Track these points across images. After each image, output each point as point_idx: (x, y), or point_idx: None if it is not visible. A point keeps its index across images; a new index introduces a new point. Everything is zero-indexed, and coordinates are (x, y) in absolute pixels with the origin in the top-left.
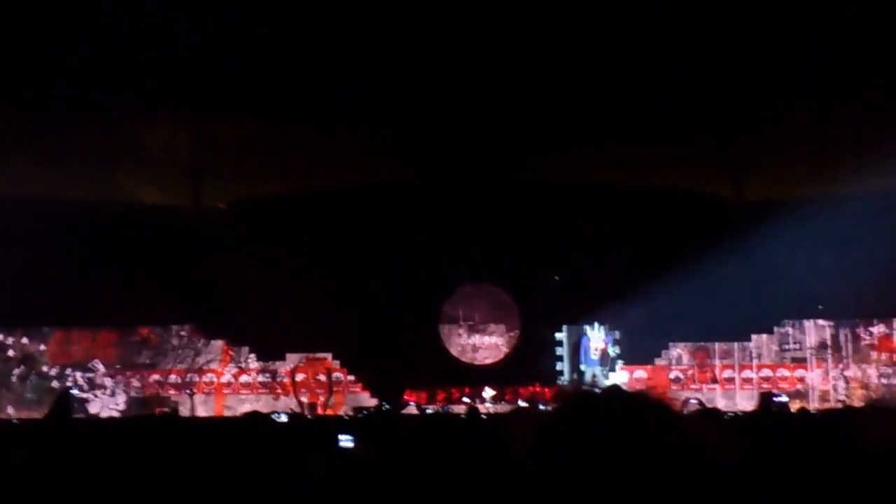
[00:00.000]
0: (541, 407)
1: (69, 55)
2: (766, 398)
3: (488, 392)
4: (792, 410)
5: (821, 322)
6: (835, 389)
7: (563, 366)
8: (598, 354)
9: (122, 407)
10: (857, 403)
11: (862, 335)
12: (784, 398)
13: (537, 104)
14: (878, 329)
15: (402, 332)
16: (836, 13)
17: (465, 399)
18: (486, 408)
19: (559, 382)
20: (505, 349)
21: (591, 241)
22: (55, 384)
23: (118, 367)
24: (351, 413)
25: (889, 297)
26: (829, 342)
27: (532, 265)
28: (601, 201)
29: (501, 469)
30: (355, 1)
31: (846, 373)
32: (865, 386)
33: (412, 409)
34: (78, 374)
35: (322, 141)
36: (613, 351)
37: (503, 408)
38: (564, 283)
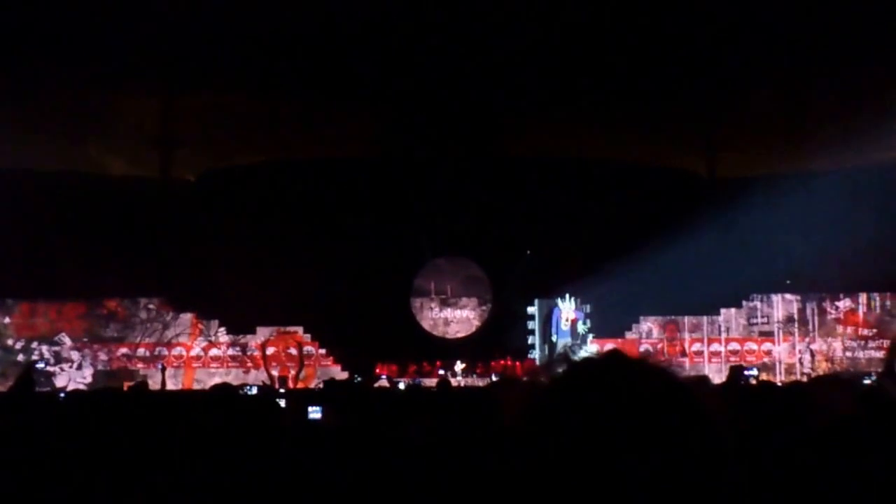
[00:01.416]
0: (530, 377)
1: (35, 22)
2: (736, 371)
3: (460, 365)
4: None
5: (788, 296)
6: (800, 363)
7: (535, 339)
8: (568, 325)
9: (88, 380)
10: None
11: (828, 309)
12: (754, 371)
13: (509, 79)
14: (844, 303)
15: (373, 306)
16: None
17: (441, 371)
18: (457, 381)
19: (531, 356)
20: (476, 323)
21: (563, 215)
22: (20, 358)
23: (85, 340)
24: (321, 386)
25: (855, 271)
26: (795, 316)
27: (504, 239)
28: (573, 176)
29: (493, 439)
30: None
31: (812, 346)
32: (830, 359)
33: (384, 383)
34: (44, 348)
35: (293, 113)
36: (583, 327)
37: (474, 381)
38: (536, 257)
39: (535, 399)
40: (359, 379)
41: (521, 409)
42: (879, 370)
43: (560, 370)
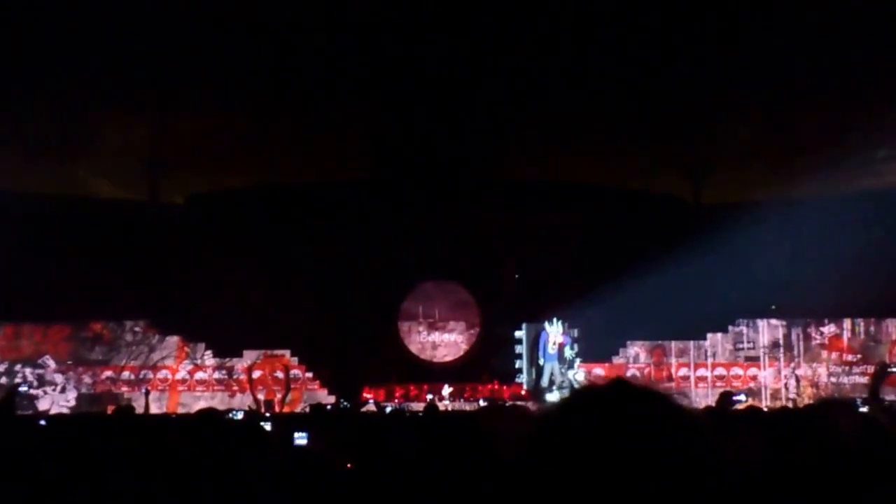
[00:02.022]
0: (520, 404)
1: (24, 43)
2: (725, 397)
3: (447, 390)
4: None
5: (773, 321)
6: (786, 388)
7: (523, 364)
8: (556, 349)
9: (72, 404)
10: (807, 402)
11: (813, 335)
12: (742, 397)
13: (498, 102)
14: (829, 329)
15: (360, 330)
16: (792, 19)
17: (429, 396)
18: (444, 405)
19: (518, 380)
20: (464, 347)
21: (551, 239)
22: (3, 380)
23: (69, 362)
24: (308, 410)
25: (839, 297)
26: (781, 341)
27: (492, 263)
28: (561, 200)
29: (485, 468)
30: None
31: (797, 371)
32: (815, 385)
33: (371, 407)
34: (27, 370)
35: (281, 136)
36: (570, 352)
37: (462, 405)
38: (524, 281)
39: (541, 428)
40: (345, 404)
41: (523, 438)
42: (864, 395)
43: (558, 399)
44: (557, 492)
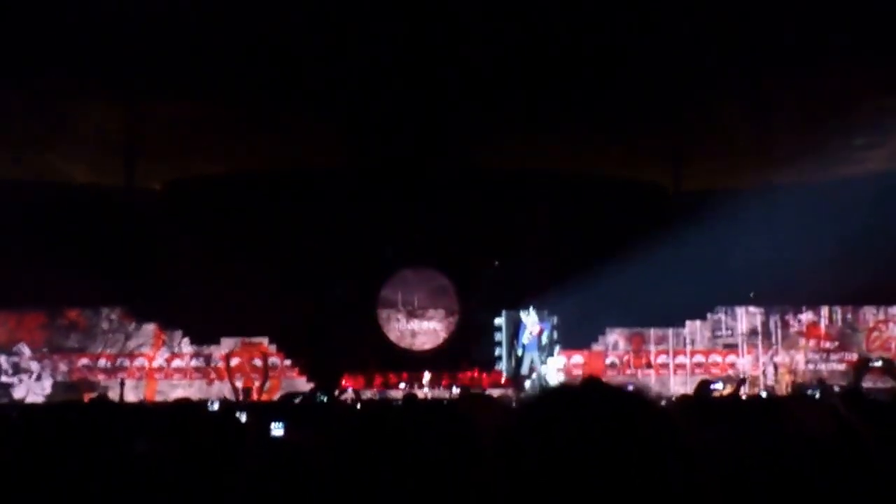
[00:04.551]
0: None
1: None
2: (703, 385)
3: (427, 377)
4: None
5: (752, 309)
6: (764, 375)
7: (502, 351)
8: (531, 337)
9: (48, 392)
10: (785, 388)
11: (791, 322)
12: (719, 385)
13: (477, 89)
14: (806, 316)
15: (339, 317)
16: (770, 6)
17: (402, 385)
18: (423, 393)
19: (497, 367)
20: (443, 334)
21: (530, 226)
22: None
23: (45, 350)
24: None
25: (817, 285)
26: (759, 329)
27: (471, 250)
28: (541, 188)
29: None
30: None
31: (775, 359)
32: (793, 372)
33: (350, 395)
34: (2, 358)
35: (259, 123)
36: (548, 337)
37: (441, 393)
38: (503, 269)
39: (512, 430)
40: (321, 397)
41: (500, 431)
42: (842, 384)
43: (532, 395)
44: (533, 486)
